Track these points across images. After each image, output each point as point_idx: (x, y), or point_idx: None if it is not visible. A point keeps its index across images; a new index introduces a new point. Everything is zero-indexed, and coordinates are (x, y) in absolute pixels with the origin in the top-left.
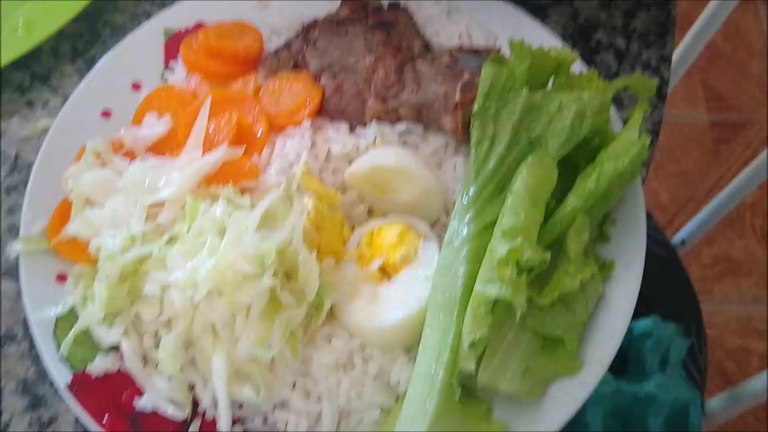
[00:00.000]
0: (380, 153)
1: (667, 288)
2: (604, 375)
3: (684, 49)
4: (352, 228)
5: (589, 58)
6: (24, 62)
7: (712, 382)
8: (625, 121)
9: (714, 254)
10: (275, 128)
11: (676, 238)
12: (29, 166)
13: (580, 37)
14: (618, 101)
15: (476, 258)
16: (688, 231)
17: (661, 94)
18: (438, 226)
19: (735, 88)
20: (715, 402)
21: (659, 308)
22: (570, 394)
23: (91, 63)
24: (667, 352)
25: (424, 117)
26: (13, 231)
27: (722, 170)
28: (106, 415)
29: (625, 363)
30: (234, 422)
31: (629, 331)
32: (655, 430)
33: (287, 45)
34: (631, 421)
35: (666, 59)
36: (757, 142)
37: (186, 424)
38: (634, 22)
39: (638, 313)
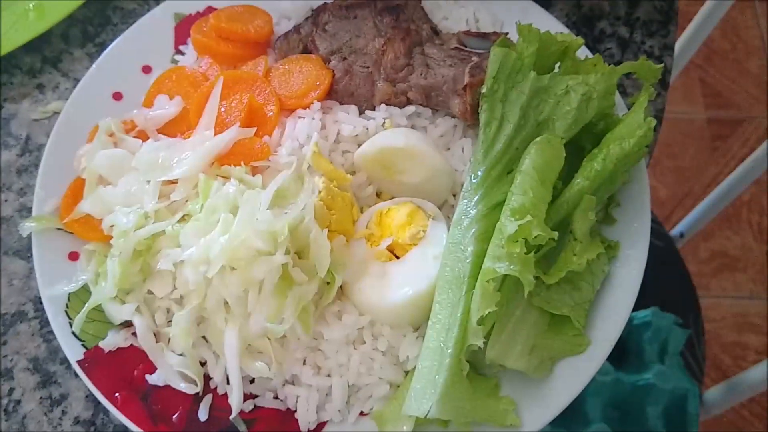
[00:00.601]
0: (390, 134)
1: (665, 279)
2: (605, 360)
3: (682, 46)
4: (361, 210)
5: (592, 47)
6: (35, 46)
7: (708, 376)
8: (629, 107)
9: (711, 250)
10: (286, 110)
11: (675, 231)
12: (40, 148)
13: (584, 25)
14: (621, 90)
15: (485, 237)
16: (687, 224)
17: (663, 82)
18: (445, 207)
19: (732, 85)
20: (712, 392)
21: (658, 299)
22: (576, 371)
23: (101, 47)
24: (666, 342)
25: (432, 100)
26: (24, 212)
27: (720, 166)
28: (118, 390)
29: (624, 353)
30: (245, 398)
31: (628, 321)
32: (654, 420)
33: (297, 29)
34: (630, 411)
35: (669, 48)
36: (754, 138)
37: (198, 399)
38: (637, 11)
39: (637, 303)
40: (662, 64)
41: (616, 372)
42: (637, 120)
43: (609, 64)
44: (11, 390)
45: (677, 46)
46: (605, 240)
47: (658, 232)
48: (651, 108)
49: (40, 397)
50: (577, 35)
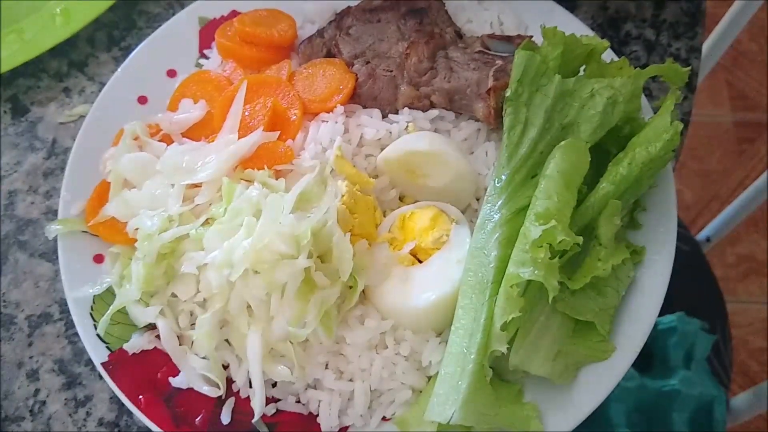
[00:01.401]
0: (413, 137)
1: (691, 284)
2: (630, 366)
3: (709, 48)
4: (384, 213)
5: (618, 50)
6: (61, 50)
7: (735, 383)
8: (655, 111)
9: (738, 254)
10: (309, 113)
11: (701, 235)
12: (66, 151)
13: (610, 28)
14: (647, 93)
15: (509, 242)
16: (713, 228)
17: (690, 85)
18: (469, 211)
19: (760, 87)
20: (740, 399)
21: (684, 304)
22: (601, 378)
23: (126, 51)
24: (692, 348)
25: (456, 103)
26: (50, 215)
27: (747, 170)
28: (141, 392)
29: (649, 359)
30: (267, 401)
31: (654, 327)
32: (680, 426)
33: (320, 32)
34: (656, 417)
35: (696, 50)
36: None
37: (221, 402)
38: (663, 13)
39: (663, 308)
40: (689, 67)
41: (641, 377)
42: (663, 124)
43: (635, 67)
44: (37, 391)
45: (704, 48)
46: (631, 245)
47: (684, 236)
48: (678, 111)
49: (65, 399)
50: (602, 38)
